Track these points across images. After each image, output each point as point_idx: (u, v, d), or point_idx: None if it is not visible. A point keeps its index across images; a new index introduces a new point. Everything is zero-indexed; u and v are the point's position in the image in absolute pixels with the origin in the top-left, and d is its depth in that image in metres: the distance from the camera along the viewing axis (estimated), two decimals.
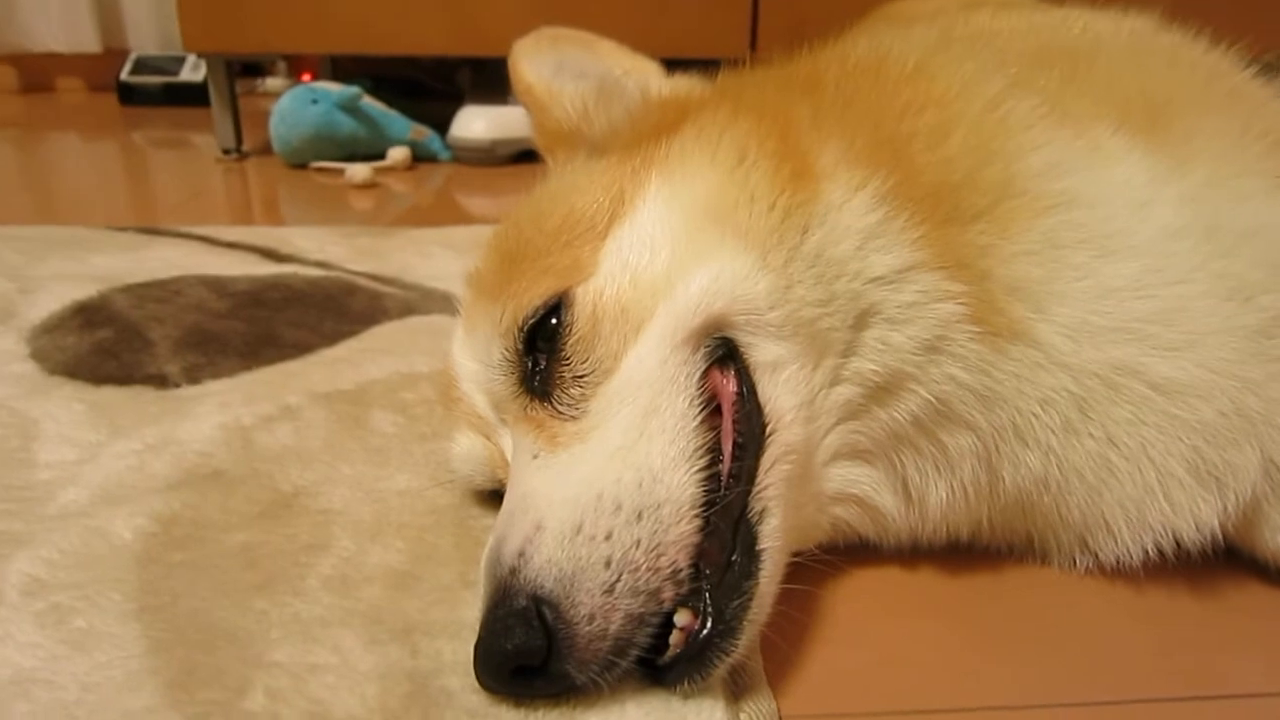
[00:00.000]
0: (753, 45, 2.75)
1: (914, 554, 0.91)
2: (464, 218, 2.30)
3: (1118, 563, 0.86)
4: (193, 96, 3.81)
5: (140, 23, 4.33)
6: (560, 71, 1.05)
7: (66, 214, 2.28)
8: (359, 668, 0.77)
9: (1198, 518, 0.82)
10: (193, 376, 1.31)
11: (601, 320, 0.79)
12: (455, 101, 3.01)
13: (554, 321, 0.81)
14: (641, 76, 1.02)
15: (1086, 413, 0.82)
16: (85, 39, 4.26)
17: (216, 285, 1.65)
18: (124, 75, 4.08)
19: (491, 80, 2.82)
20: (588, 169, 0.91)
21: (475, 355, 0.87)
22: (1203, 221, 0.83)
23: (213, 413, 1.19)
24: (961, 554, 0.92)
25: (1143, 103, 0.90)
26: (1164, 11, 1.06)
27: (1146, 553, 0.84)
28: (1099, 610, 0.87)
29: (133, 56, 4.17)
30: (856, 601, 0.88)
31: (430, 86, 3.49)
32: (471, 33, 2.68)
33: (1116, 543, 0.84)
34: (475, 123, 2.87)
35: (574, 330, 0.80)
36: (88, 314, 1.50)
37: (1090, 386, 0.82)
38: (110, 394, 1.25)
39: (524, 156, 2.72)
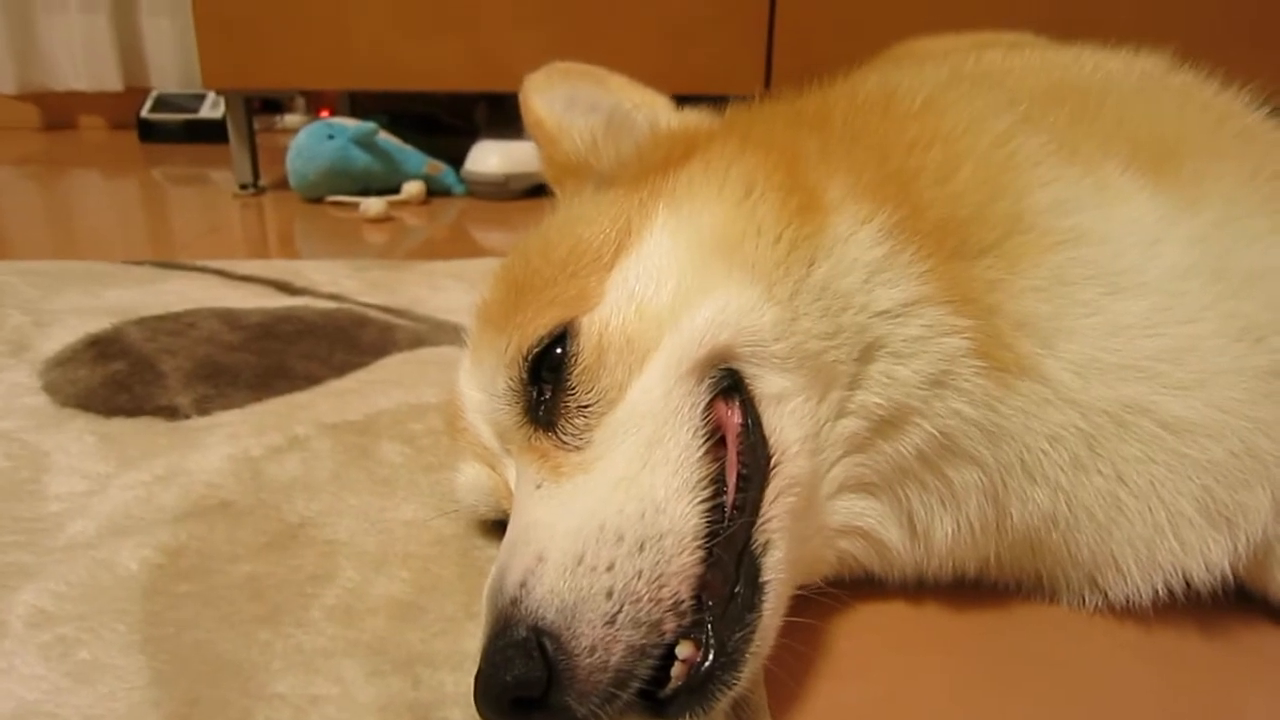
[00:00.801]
0: (767, 82, 2.78)
1: (920, 589, 0.90)
2: (477, 251, 2.32)
3: (1127, 602, 0.84)
4: (212, 133, 3.88)
5: (162, 61, 4.41)
6: (571, 105, 1.06)
7: (86, 250, 2.30)
8: (360, 699, 0.77)
9: (1208, 558, 0.81)
10: (203, 408, 1.31)
11: (607, 350, 0.79)
12: (471, 137, 3.05)
13: (559, 351, 0.81)
14: (651, 110, 1.03)
15: (1096, 450, 0.81)
16: (108, 77, 4.34)
17: (229, 318, 1.66)
18: (144, 113, 4.15)
19: (507, 116, 2.85)
20: (595, 201, 0.92)
21: (481, 385, 0.87)
22: (1212, 261, 0.83)
23: (222, 444, 1.20)
24: (968, 590, 0.91)
25: (1153, 142, 0.90)
26: (1175, 53, 1.06)
27: (1156, 592, 0.83)
28: (1107, 650, 0.86)
29: (153, 94, 4.24)
30: (861, 636, 0.87)
31: (446, 122, 3.54)
32: (488, 68, 2.72)
33: (1126, 582, 0.83)
34: (490, 157, 2.91)
35: (579, 360, 0.80)
36: (101, 346, 1.52)
37: (1099, 424, 0.81)
38: (121, 425, 1.26)
39: (538, 191, 2.74)
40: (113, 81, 4.35)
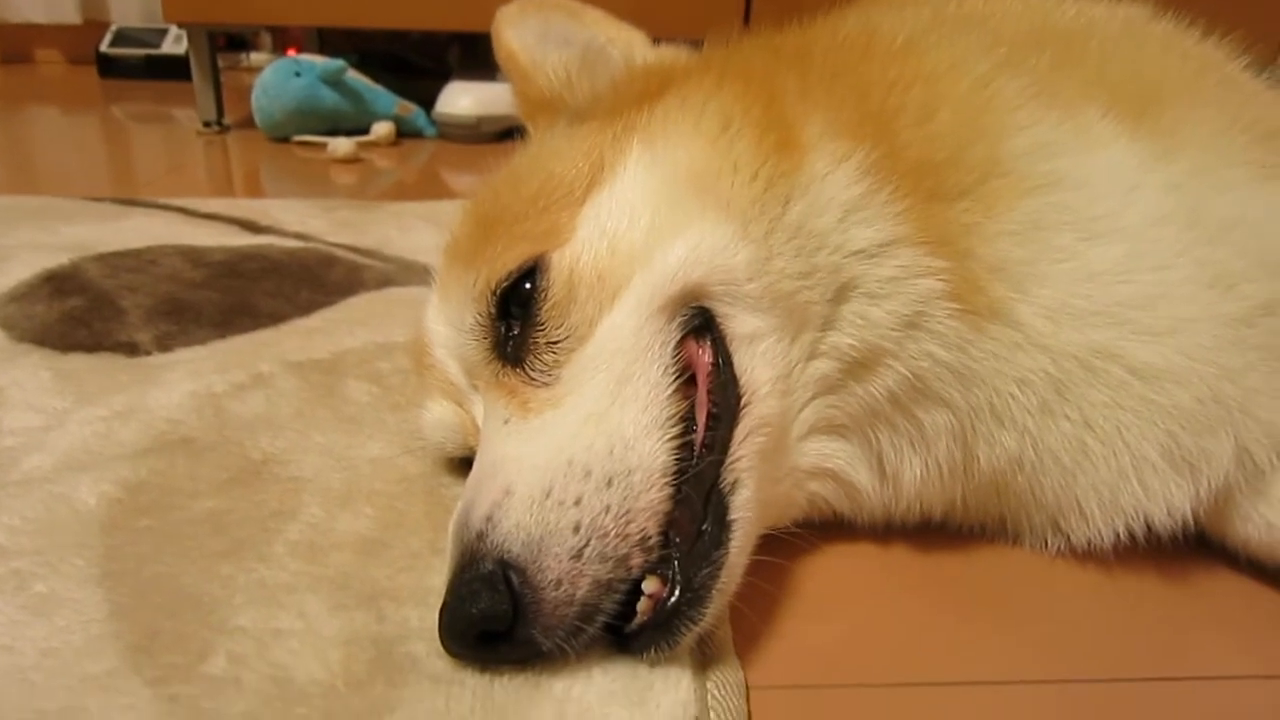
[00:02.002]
0: (746, 24, 2.74)
1: (887, 532, 0.91)
2: (448, 194, 2.29)
3: (1089, 545, 0.85)
4: (174, 70, 3.77)
5: None
6: (544, 39, 1.03)
7: (43, 187, 2.24)
8: (323, 633, 0.76)
9: (1170, 503, 0.82)
10: (164, 345, 1.29)
11: (577, 286, 0.78)
12: (443, 78, 2.99)
13: (528, 287, 0.80)
14: (626, 45, 1.00)
15: (1064, 395, 0.82)
16: (65, 10, 4.22)
17: (192, 255, 1.63)
18: (104, 47, 4.03)
19: (480, 57, 2.80)
20: (568, 136, 0.90)
21: (448, 320, 0.86)
22: (1187, 208, 0.83)
23: (183, 380, 1.17)
24: (934, 533, 0.91)
25: (1134, 89, 0.89)
26: (1157, 1, 1.06)
27: (1118, 536, 0.84)
28: (1068, 591, 0.87)
29: (113, 28, 4.12)
30: (828, 576, 0.87)
31: (418, 63, 3.47)
32: (461, 6, 2.66)
33: (1089, 525, 0.84)
34: (461, 99, 2.86)
35: (549, 296, 0.79)
36: (58, 282, 1.48)
37: (1068, 369, 0.81)
38: (78, 361, 1.23)
39: (511, 134, 2.70)
40: (70, 13, 4.23)
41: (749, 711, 0.71)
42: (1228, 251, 0.82)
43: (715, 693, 0.70)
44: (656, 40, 1.05)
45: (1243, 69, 1.00)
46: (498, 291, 0.81)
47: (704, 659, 0.74)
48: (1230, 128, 0.88)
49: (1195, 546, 0.90)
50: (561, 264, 0.79)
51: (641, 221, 0.80)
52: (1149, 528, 0.83)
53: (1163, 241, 0.82)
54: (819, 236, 0.80)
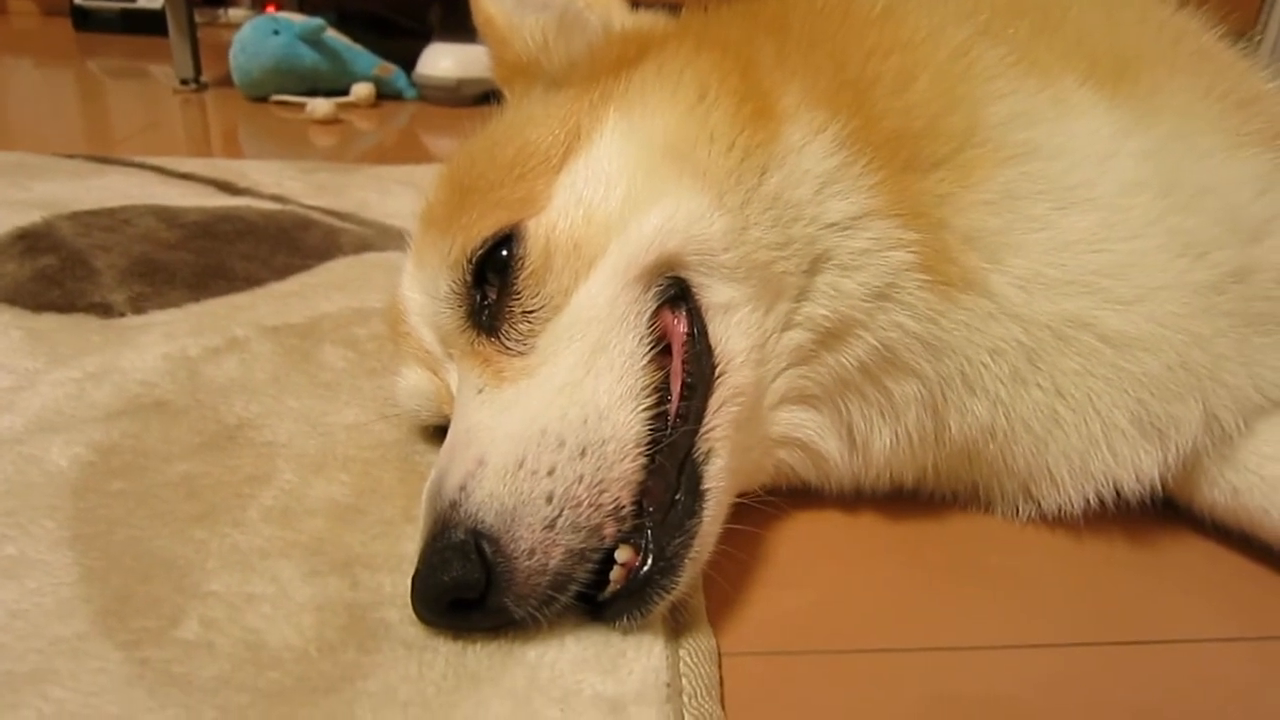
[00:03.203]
0: None
1: (859, 498, 0.92)
2: (427, 157, 2.27)
3: (1059, 511, 0.87)
4: (151, 25, 3.70)
5: None
6: (522, 3, 1.02)
7: (14, 142, 2.20)
8: (296, 598, 0.76)
9: (1139, 468, 0.83)
10: (138, 306, 1.28)
11: (553, 255, 0.78)
12: (423, 39, 2.94)
13: (504, 254, 0.79)
14: (604, 10, 0.99)
15: (1035, 363, 0.82)
16: None
17: (167, 215, 1.61)
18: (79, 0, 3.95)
19: (461, 18, 2.74)
20: (545, 102, 0.89)
21: (423, 288, 0.85)
22: (1162, 176, 0.83)
23: (158, 343, 1.17)
24: (906, 500, 0.92)
25: (1111, 57, 0.89)
26: None
27: (1087, 502, 0.85)
28: (1039, 557, 0.88)
29: None
30: (798, 544, 0.88)
31: (398, 23, 3.41)
32: None
33: (1059, 492, 0.85)
34: (442, 60, 2.82)
35: (524, 264, 0.78)
36: (30, 240, 1.46)
37: (1040, 338, 0.82)
38: (51, 321, 1.22)
39: (491, 96, 2.68)
40: None
41: (721, 678, 0.71)
42: (1200, 219, 0.83)
43: (688, 659, 0.71)
44: (635, 5, 1.03)
45: (1218, 39, 1.00)
46: (473, 259, 0.80)
47: (676, 626, 0.74)
48: (1205, 96, 0.88)
49: (1163, 512, 0.91)
50: (537, 232, 0.79)
51: (617, 190, 0.79)
52: (1118, 494, 0.85)
53: (1136, 210, 0.82)
54: (795, 208, 0.80)
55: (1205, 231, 0.82)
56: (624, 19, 1.00)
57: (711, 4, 0.98)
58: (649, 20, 1.00)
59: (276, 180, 1.87)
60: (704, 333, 0.79)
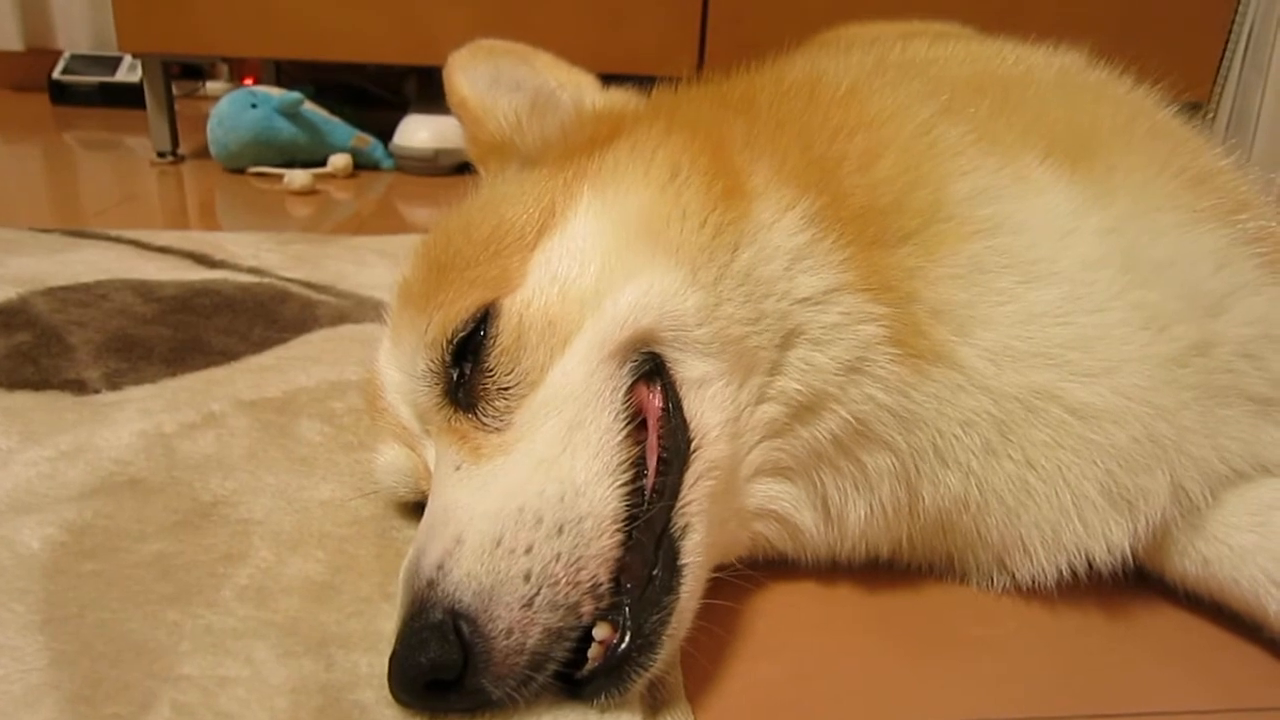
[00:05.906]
0: (700, 64, 2.78)
1: (835, 570, 0.92)
2: (405, 227, 2.28)
3: (1033, 582, 0.87)
4: (129, 97, 3.73)
5: (72, 20, 4.21)
6: (496, 84, 1.04)
7: None
8: (271, 680, 0.75)
9: (1110, 540, 0.84)
10: (113, 383, 1.27)
11: (528, 332, 0.79)
12: (400, 110, 2.99)
13: (480, 333, 0.80)
14: (576, 89, 1.02)
15: (1006, 435, 0.83)
16: (6, 35, 4.13)
17: (144, 290, 1.61)
18: (56, 74, 3.98)
19: (438, 89, 2.79)
20: (519, 180, 0.91)
21: (400, 366, 0.86)
22: (1122, 252, 0.86)
23: (133, 420, 1.16)
24: (881, 571, 0.92)
25: (1070, 135, 0.92)
26: (1092, 50, 1.09)
27: (1060, 573, 0.86)
28: (1014, 629, 0.88)
29: (66, 55, 4.07)
30: (775, 616, 0.88)
31: (375, 95, 3.47)
32: (418, 41, 2.67)
33: (1033, 562, 0.86)
34: (419, 132, 2.86)
35: (499, 342, 0.79)
36: (5, 317, 1.46)
37: (1010, 409, 0.83)
38: (24, 399, 1.21)
39: (468, 167, 2.71)
40: (11, 40, 4.15)
41: None
42: (1161, 294, 0.85)
43: None
44: (611, 79, 1.06)
45: (1172, 115, 1.03)
46: (453, 339, 0.81)
47: (654, 703, 0.74)
48: (1161, 174, 0.91)
49: (1136, 581, 0.92)
50: (512, 310, 0.80)
51: (592, 267, 0.81)
52: (1090, 564, 0.85)
53: (1099, 284, 0.84)
54: (767, 283, 0.82)
55: (1166, 306, 0.84)
56: (596, 97, 1.02)
57: (683, 82, 1.01)
58: (621, 99, 1.02)
59: (254, 252, 1.88)
60: (679, 407, 0.80)
